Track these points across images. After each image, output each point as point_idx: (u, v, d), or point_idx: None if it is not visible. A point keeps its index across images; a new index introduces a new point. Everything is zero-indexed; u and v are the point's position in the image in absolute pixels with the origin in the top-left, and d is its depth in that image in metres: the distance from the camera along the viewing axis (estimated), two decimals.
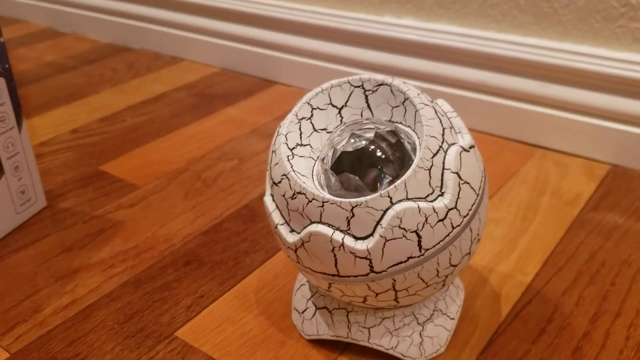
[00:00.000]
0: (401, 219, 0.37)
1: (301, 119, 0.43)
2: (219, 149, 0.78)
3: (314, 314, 0.47)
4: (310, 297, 0.48)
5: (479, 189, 0.41)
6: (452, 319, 0.46)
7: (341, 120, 0.43)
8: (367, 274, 0.39)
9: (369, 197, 0.38)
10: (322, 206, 0.39)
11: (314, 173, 0.42)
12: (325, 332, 0.46)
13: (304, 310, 0.48)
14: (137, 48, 1.18)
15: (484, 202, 0.42)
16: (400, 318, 0.44)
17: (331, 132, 0.43)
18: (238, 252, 0.58)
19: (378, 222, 0.38)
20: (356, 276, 0.40)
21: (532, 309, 0.49)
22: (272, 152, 0.42)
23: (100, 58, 1.13)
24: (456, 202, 0.39)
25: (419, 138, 0.40)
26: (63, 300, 0.52)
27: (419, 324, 0.45)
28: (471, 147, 0.41)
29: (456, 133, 0.42)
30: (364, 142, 0.39)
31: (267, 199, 0.43)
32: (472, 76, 0.76)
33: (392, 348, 0.44)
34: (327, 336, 0.46)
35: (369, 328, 0.44)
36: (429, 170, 0.38)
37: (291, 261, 0.44)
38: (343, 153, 0.39)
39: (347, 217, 0.38)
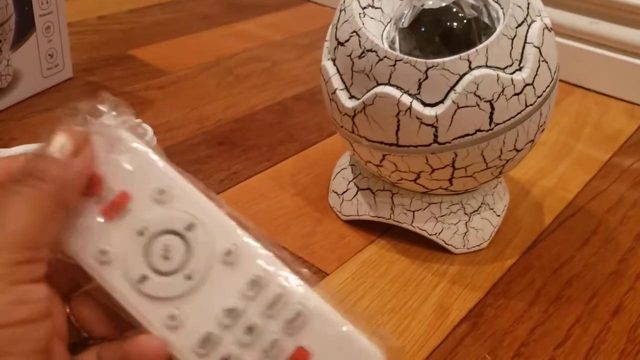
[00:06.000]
0: (478, 85, 0.36)
1: None
2: (250, 51, 0.75)
3: (355, 194, 0.45)
4: (353, 179, 0.46)
5: (554, 73, 0.39)
6: (498, 215, 0.45)
7: None
8: (429, 145, 0.38)
9: (446, 59, 0.36)
10: (394, 65, 0.37)
11: (384, 38, 0.40)
12: (366, 212, 0.44)
13: (344, 192, 0.46)
14: None
15: (555, 89, 0.40)
16: (448, 205, 0.43)
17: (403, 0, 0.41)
18: (272, 140, 0.56)
19: (452, 88, 0.36)
20: (417, 146, 0.38)
21: (575, 221, 0.48)
22: (341, 10, 0.40)
23: None
24: (534, 78, 0.37)
25: (502, 9, 0.38)
26: None
27: (465, 213, 0.43)
28: (551, 28, 0.39)
29: (536, 15, 0.40)
30: (446, 2, 0.37)
31: (327, 63, 0.41)
32: None
33: (435, 234, 0.43)
34: (367, 217, 0.44)
35: (413, 211, 0.43)
36: (512, 40, 0.36)
37: (342, 134, 0.42)
38: (423, 10, 0.37)
39: (419, 79, 0.36)
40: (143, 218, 0.24)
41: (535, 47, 0.37)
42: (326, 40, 0.43)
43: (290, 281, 0.24)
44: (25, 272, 0.21)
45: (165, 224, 0.24)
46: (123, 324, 0.24)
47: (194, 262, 0.24)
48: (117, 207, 0.24)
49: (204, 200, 0.25)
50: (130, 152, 0.25)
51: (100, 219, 0.24)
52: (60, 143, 0.24)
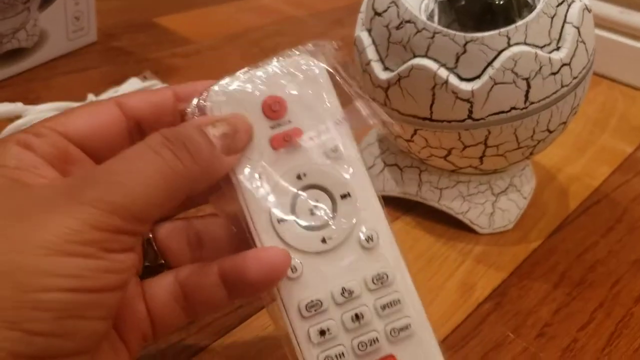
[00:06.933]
0: (516, 62, 0.35)
1: None
2: (275, 26, 0.74)
3: (382, 170, 0.45)
4: (380, 155, 0.46)
5: (591, 55, 0.39)
6: (525, 198, 0.44)
7: None
8: (463, 120, 0.37)
9: (485, 34, 0.35)
10: (432, 37, 0.36)
11: (422, 10, 0.40)
12: (392, 188, 0.44)
13: (370, 167, 0.46)
14: None
15: (590, 72, 0.40)
16: (476, 185, 0.43)
17: None
18: None
19: (489, 63, 0.36)
20: (450, 121, 0.38)
21: (600, 207, 0.47)
22: None
23: None
24: (571, 59, 0.37)
25: None
26: None
27: (493, 194, 0.43)
28: (591, 9, 0.39)
29: None
30: None
31: (362, 34, 0.41)
32: None
33: (462, 213, 0.42)
34: (394, 193, 0.44)
35: (441, 189, 0.43)
36: (552, 18, 0.36)
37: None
38: None
39: (457, 53, 0.36)
40: (308, 163, 0.24)
41: (575, 27, 0.37)
42: (361, 12, 0.42)
43: (410, 290, 0.24)
44: (122, 243, 0.20)
45: (324, 181, 0.24)
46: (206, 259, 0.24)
47: (335, 229, 0.24)
48: (287, 140, 0.24)
49: (365, 174, 0.25)
50: (321, 95, 0.25)
51: (267, 143, 0.24)
52: (225, 130, 0.23)
